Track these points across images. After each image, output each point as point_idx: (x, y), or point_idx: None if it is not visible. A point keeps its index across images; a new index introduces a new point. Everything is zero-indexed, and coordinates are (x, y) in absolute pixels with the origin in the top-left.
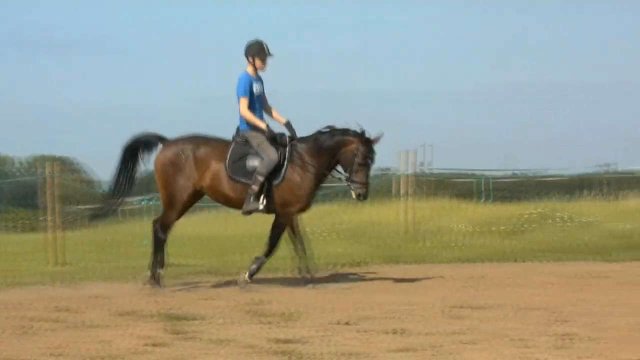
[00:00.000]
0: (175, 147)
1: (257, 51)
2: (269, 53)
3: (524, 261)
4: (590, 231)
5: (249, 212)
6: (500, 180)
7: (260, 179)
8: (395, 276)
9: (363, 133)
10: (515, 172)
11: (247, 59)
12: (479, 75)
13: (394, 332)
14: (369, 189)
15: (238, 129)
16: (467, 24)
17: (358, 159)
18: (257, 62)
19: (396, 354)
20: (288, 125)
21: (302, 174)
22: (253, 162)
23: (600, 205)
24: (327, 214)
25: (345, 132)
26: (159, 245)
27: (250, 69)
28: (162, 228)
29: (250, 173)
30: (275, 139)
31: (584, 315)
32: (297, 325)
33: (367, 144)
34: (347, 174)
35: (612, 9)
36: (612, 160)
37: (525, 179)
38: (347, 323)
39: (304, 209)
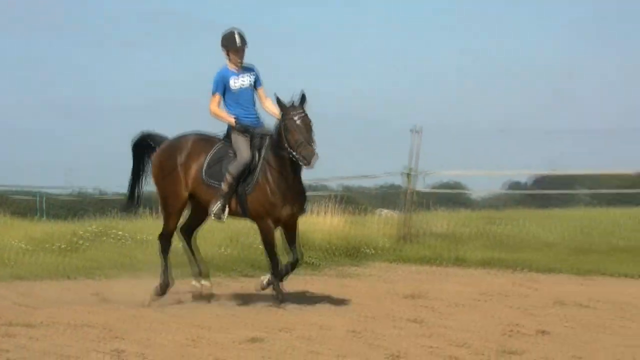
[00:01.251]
0: (166, 150)
1: (228, 43)
2: (243, 43)
3: (77, 278)
4: (147, 248)
5: (214, 217)
6: (60, 197)
7: (229, 179)
8: None
9: (278, 102)
10: (77, 189)
11: (223, 53)
12: None
13: None
14: (313, 147)
15: (228, 127)
16: None
17: (285, 126)
18: (231, 56)
19: None
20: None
21: (274, 175)
22: (229, 165)
23: (157, 224)
24: None
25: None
26: (164, 253)
27: (229, 63)
28: (163, 237)
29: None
30: (246, 131)
31: (135, 332)
32: None
33: (284, 110)
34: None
35: None
36: None
37: (86, 197)
38: None
39: (292, 211)
